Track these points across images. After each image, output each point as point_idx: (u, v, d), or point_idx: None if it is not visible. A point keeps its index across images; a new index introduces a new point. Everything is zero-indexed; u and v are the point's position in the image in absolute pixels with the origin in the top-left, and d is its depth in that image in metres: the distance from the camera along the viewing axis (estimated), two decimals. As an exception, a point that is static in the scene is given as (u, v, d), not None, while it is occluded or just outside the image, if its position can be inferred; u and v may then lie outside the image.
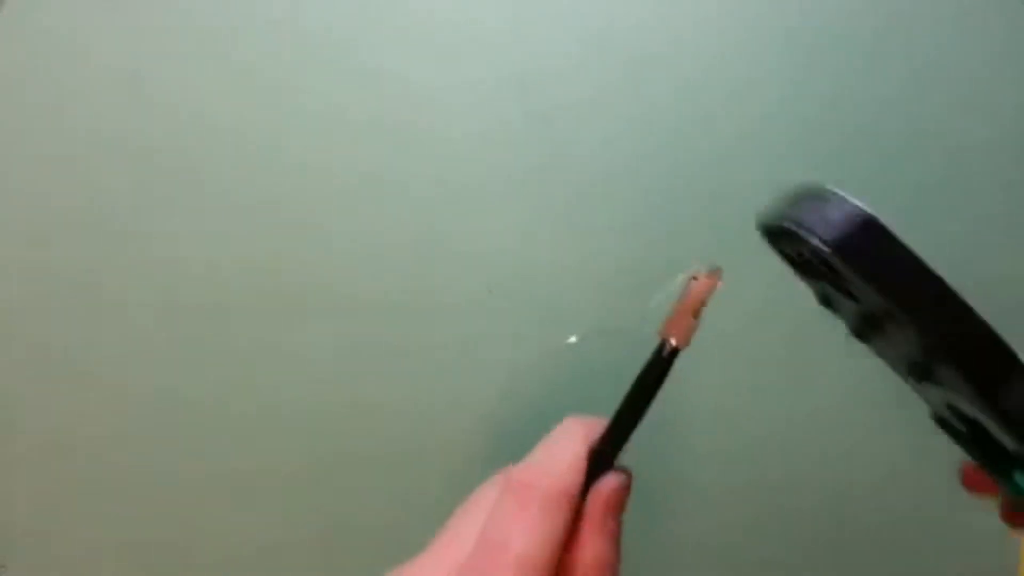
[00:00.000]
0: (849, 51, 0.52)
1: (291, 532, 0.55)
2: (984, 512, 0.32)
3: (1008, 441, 0.26)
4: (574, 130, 0.52)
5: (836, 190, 0.26)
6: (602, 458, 0.28)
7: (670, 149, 0.53)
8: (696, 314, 0.29)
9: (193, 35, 0.52)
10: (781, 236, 0.28)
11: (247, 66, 0.52)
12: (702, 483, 0.54)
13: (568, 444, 0.28)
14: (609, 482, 0.28)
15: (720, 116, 0.52)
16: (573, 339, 0.46)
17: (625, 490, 0.28)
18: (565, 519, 0.26)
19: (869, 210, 0.26)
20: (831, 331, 0.31)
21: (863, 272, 0.25)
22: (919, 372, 0.28)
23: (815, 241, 0.26)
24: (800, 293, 0.29)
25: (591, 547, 0.27)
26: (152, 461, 0.54)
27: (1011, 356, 0.26)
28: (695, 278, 0.30)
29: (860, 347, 0.31)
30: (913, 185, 0.52)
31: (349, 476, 0.55)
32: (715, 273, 0.30)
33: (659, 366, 0.29)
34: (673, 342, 0.29)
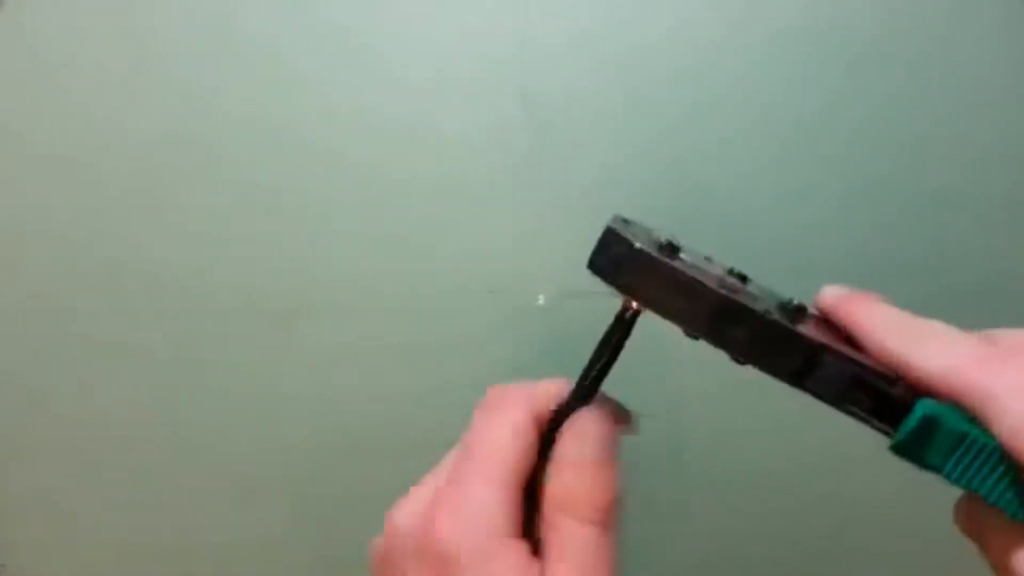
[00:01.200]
0: (862, 59, 0.52)
1: (291, 533, 0.55)
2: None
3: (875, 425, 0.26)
4: (576, 135, 0.52)
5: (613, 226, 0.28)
6: (565, 416, 0.29)
7: (673, 156, 0.52)
8: None
9: (193, 36, 0.52)
10: (596, 275, 0.29)
11: (248, 69, 0.52)
12: (699, 495, 0.54)
13: (505, 417, 0.29)
14: (577, 416, 0.29)
15: (724, 125, 0.52)
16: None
17: (598, 421, 0.28)
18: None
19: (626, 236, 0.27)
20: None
21: (616, 285, 0.27)
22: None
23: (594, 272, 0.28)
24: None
25: (555, 477, 0.27)
26: (151, 462, 0.54)
27: (795, 341, 0.26)
28: None
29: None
30: (914, 186, 0.52)
31: (349, 478, 0.54)
32: None
33: (622, 327, 0.30)
34: (634, 306, 0.29)
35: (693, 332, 0.27)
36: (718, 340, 0.27)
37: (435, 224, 0.53)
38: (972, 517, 0.25)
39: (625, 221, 0.30)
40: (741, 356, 0.27)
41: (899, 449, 0.25)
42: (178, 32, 0.52)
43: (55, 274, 0.53)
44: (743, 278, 0.29)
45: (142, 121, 0.52)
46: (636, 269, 0.27)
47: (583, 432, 0.28)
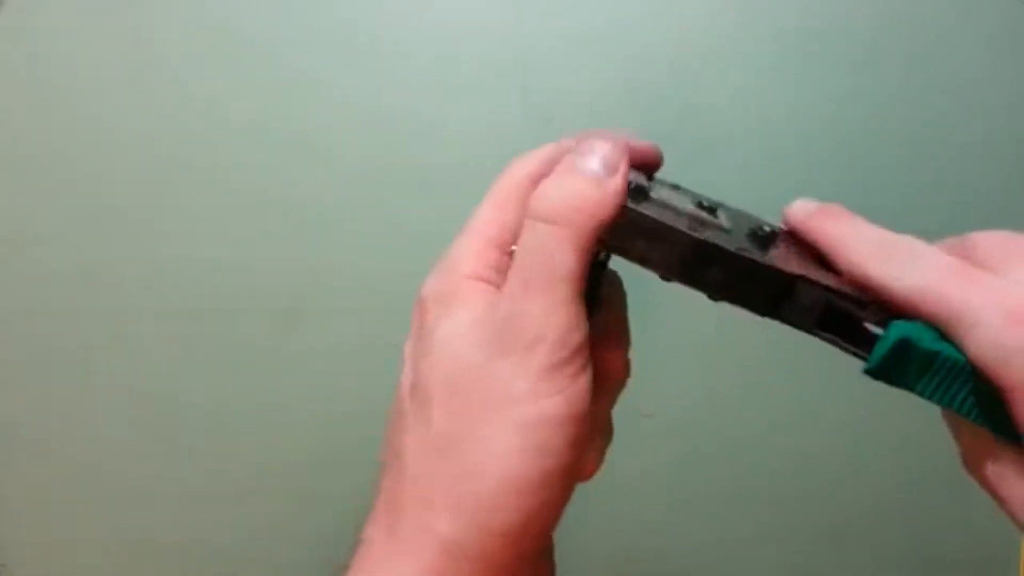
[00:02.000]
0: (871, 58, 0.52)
1: (290, 533, 0.55)
2: (983, 506, 0.32)
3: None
4: (576, 132, 0.52)
5: None
6: None
7: (671, 154, 0.53)
8: None
9: (193, 36, 0.52)
10: None
11: (250, 70, 0.52)
12: (693, 483, 0.54)
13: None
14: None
15: (723, 122, 0.52)
16: None
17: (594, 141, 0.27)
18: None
19: None
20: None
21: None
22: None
23: None
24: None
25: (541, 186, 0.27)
26: (152, 462, 0.54)
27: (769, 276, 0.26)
28: None
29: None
30: (908, 182, 0.52)
31: (348, 478, 0.54)
32: None
33: (595, 270, 0.28)
34: (602, 254, 0.29)
35: (667, 276, 0.27)
36: (692, 282, 0.26)
37: (436, 224, 0.53)
38: (952, 421, 0.25)
39: None
40: (716, 294, 0.27)
41: (874, 373, 0.25)
42: (178, 31, 0.52)
43: (55, 274, 0.53)
44: (713, 209, 0.28)
45: (142, 121, 0.52)
46: None
47: (575, 150, 0.28)
